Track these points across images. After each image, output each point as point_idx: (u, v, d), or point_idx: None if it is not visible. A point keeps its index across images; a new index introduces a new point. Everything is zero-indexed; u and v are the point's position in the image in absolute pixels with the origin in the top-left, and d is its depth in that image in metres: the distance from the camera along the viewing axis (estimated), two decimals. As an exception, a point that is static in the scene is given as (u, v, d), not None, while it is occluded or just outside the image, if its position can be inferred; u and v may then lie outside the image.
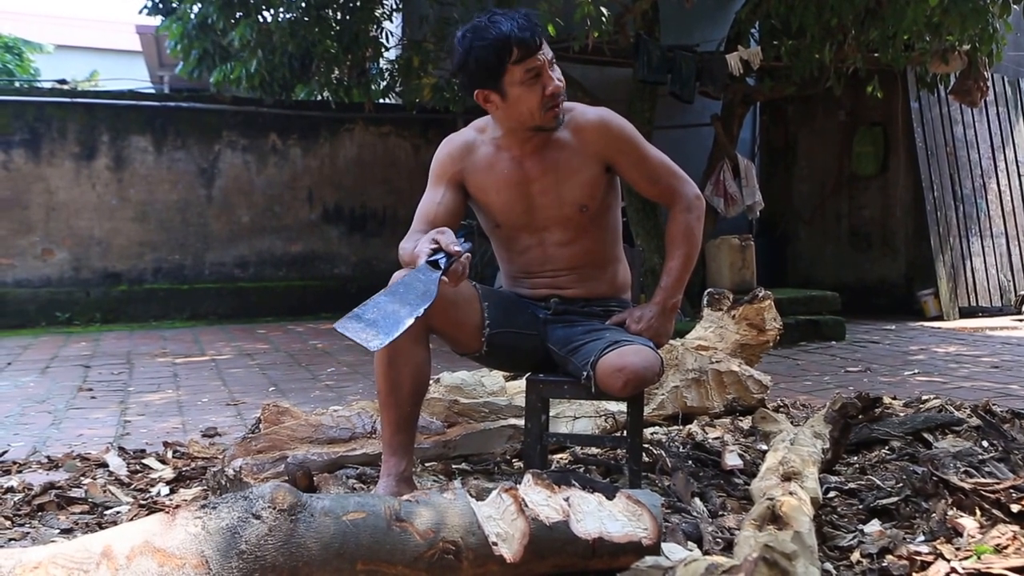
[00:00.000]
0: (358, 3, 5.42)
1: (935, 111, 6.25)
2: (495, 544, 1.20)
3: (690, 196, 1.81)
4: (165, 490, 1.96)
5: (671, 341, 2.47)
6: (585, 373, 1.65)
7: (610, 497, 1.32)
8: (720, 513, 1.66)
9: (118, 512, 1.80)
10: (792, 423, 2.24)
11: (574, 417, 2.29)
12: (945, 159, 6.23)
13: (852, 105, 6.56)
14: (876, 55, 4.97)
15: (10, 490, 1.93)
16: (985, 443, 2.05)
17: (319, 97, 6.47)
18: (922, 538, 1.43)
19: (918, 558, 1.30)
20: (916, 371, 3.76)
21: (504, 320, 1.75)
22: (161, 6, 6.47)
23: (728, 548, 1.44)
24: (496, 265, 1.87)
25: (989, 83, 5.43)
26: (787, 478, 1.50)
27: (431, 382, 2.28)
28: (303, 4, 5.30)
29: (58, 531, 1.67)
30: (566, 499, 1.28)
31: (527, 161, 1.75)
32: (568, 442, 2.15)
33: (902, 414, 2.38)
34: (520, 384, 2.38)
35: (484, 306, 1.73)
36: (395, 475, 1.64)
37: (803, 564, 1.04)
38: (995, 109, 6.52)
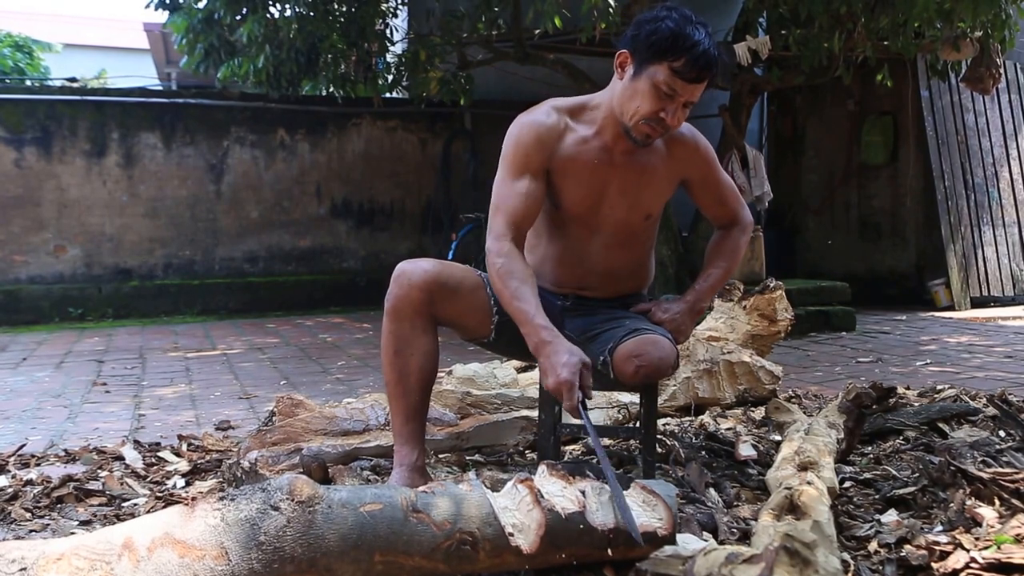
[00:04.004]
0: (364, -3, 5.42)
1: (945, 99, 6.18)
2: (511, 535, 1.20)
3: (747, 221, 1.90)
4: (181, 482, 1.97)
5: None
6: (601, 358, 1.65)
7: (625, 487, 1.32)
8: (735, 503, 1.66)
9: (135, 504, 1.81)
10: (804, 413, 2.24)
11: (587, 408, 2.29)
12: (956, 147, 6.17)
13: (861, 94, 6.50)
14: (886, 43, 4.92)
15: (29, 483, 1.95)
16: (1002, 433, 2.04)
17: (326, 92, 6.48)
18: (940, 528, 1.43)
19: (937, 548, 1.30)
20: (928, 361, 3.73)
21: None
22: (168, 1, 6.48)
23: (744, 538, 1.43)
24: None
25: (1001, 70, 5.36)
26: (803, 468, 1.50)
27: (443, 374, 2.29)
28: (309, -1, 5.30)
29: (77, 523, 1.68)
30: (581, 490, 1.28)
31: (619, 156, 1.71)
32: (582, 433, 2.15)
33: (916, 404, 2.37)
34: (532, 375, 2.39)
35: (489, 292, 1.72)
36: (408, 465, 1.64)
37: (823, 553, 1.04)
38: (1007, 96, 6.45)
